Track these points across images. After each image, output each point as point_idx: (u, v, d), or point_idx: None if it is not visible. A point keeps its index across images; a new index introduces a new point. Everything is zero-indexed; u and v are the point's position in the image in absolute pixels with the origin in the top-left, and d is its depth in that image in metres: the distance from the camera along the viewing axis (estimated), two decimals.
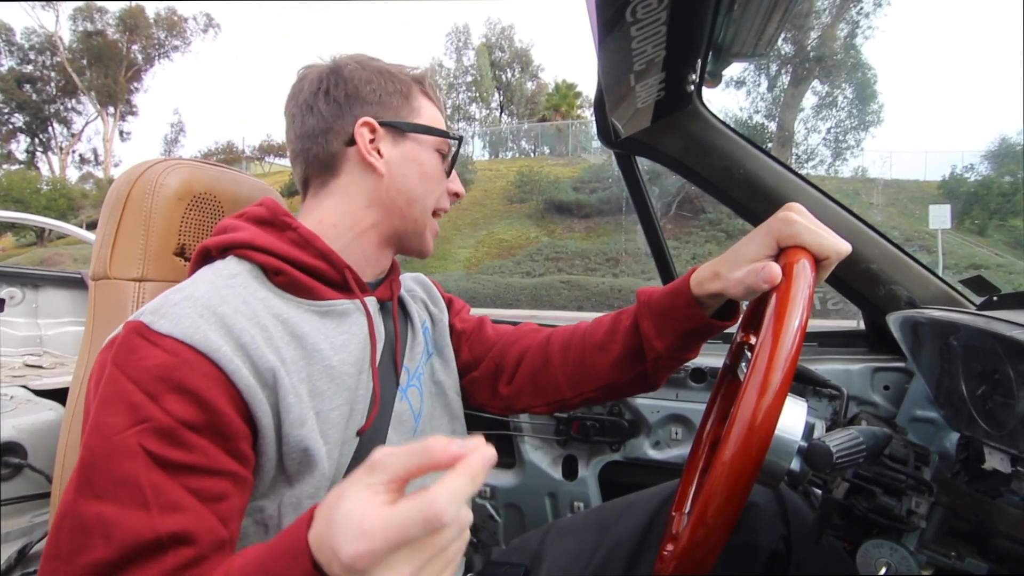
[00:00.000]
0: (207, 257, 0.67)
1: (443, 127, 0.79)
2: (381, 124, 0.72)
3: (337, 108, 0.71)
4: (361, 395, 0.68)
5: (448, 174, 0.79)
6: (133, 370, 0.52)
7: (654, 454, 1.28)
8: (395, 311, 0.80)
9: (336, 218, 0.71)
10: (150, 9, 28.11)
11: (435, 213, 0.79)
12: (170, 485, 0.50)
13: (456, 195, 0.81)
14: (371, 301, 0.73)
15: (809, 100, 19.06)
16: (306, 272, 0.66)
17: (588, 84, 29.82)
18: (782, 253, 0.63)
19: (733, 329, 0.77)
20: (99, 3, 27.11)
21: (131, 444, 0.49)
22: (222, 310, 0.56)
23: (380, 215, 0.73)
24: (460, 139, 0.80)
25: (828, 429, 0.65)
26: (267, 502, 0.60)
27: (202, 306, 0.56)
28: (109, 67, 27.54)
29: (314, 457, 0.59)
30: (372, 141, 0.72)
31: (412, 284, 0.91)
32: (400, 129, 0.73)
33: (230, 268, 0.63)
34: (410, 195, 0.74)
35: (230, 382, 0.54)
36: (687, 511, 0.75)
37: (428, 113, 0.77)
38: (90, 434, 0.51)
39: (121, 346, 0.54)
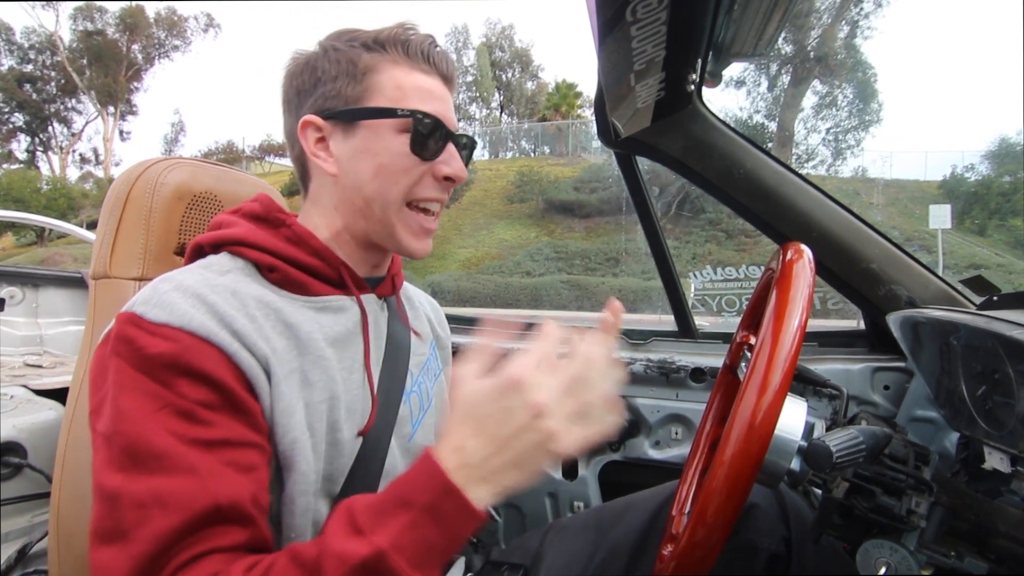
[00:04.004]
0: (200, 253, 0.67)
1: (412, 98, 0.65)
2: (326, 117, 0.66)
3: (292, 107, 0.69)
4: (357, 394, 0.67)
5: (431, 156, 0.66)
6: (137, 360, 0.52)
7: (654, 454, 1.28)
8: (399, 308, 0.79)
9: (314, 223, 0.69)
10: (150, 9, 28.11)
11: (415, 205, 0.68)
12: (208, 459, 0.50)
13: (448, 179, 0.68)
14: (371, 299, 0.72)
15: (809, 100, 19.07)
16: (300, 269, 0.65)
17: (588, 84, 29.81)
18: (781, 249, 0.63)
19: (733, 329, 0.77)
20: (99, 3, 27.09)
21: (159, 426, 0.50)
22: (211, 299, 0.56)
23: (346, 218, 0.68)
24: (420, 114, 0.64)
25: (828, 429, 0.65)
26: (270, 496, 0.59)
27: (192, 295, 0.56)
28: (109, 67, 27.51)
29: (299, 448, 0.59)
30: (322, 139, 0.67)
31: (424, 301, 0.91)
32: (346, 119, 0.66)
33: (222, 264, 0.63)
34: (364, 193, 0.66)
35: (233, 363, 0.55)
36: (687, 511, 0.75)
37: (391, 85, 0.65)
38: (116, 420, 0.50)
39: (119, 339, 0.54)
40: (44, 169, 28.38)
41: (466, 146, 0.72)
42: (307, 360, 0.61)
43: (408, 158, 0.65)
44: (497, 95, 29.60)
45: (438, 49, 0.68)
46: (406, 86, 0.65)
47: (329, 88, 0.66)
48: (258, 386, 0.56)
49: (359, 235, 0.69)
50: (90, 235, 2.36)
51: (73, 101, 28.85)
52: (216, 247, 0.66)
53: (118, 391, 0.51)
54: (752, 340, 0.79)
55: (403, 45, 0.66)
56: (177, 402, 0.51)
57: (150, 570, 0.46)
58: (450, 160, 0.68)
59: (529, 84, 30.13)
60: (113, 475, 0.49)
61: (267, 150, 29.57)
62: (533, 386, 0.48)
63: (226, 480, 0.51)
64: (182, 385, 0.52)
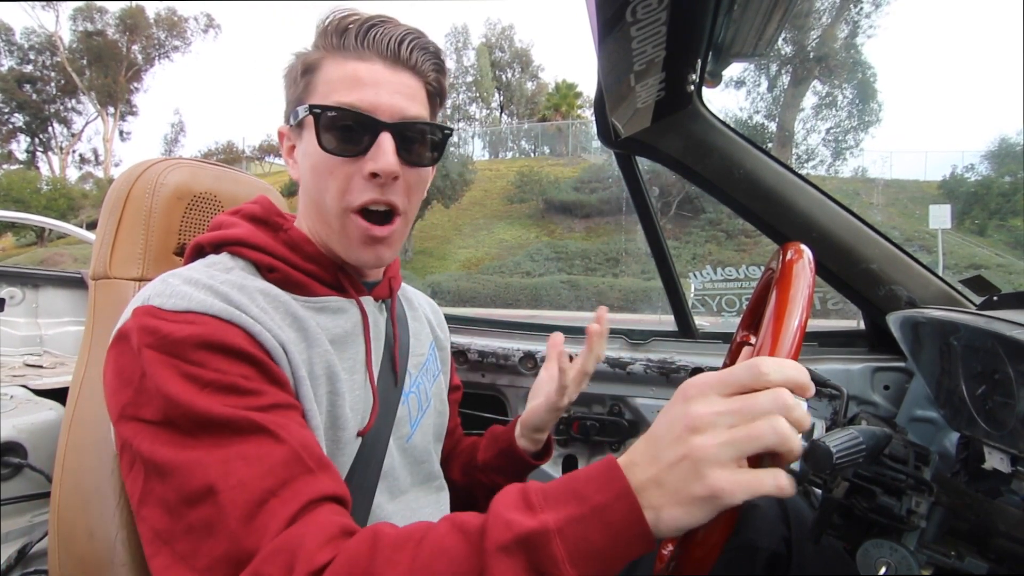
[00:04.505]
0: (200, 253, 0.67)
1: (338, 90, 0.60)
2: (288, 124, 0.67)
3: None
4: (359, 394, 0.67)
5: (349, 152, 0.60)
6: (167, 346, 0.52)
7: None
8: (394, 310, 0.79)
9: (304, 227, 0.70)
10: (150, 9, 28.12)
11: (358, 211, 0.63)
12: (269, 418, 0.51)
13: (373, 175, 0.61)
14: (368, 301, 0.72)
15: (809, 100, 19.08)
16: (299, 271, 0.66)
17: (588, 84, 29.82)
18: (781, 249, 0.63)
19: (733, 329, 0.77)
20: (99, 3, 27.09)
21: (213, 402, 0.50)
22: (223, 289, 0.57)
23: (311, 223, 0.68)
24: (319, 108, 0.59)
25: (828, 429, 0.65)
26: None
27: (203, 286, 0.56)
28: (109, 67, 27.52)
29: None
30: (293, 146, 0.68)
31: (424, 303, 0.92)
32: (292, 123, 0.66)
33: (224, 263, 0.63)
34: (312, 197, 0.65)
35: (258, 342, 0.55)
36: None
37: (322, 80, 0.62)
38: (169, 406, 0.49)
39: (143, 331, 0.53)
40: (44, 169, 28.42)
41: (417, 136, 0.64)
42: (314, 353, 0.62)
43: (327, 159, 0.61)
44: (497, 95, 29.59)
45: (381, 30, 0.62)
46: (334, 78, 0.61)
47: (289, 94, 0.67)
48: (282, 364, 0.57)
49: (322, 241, 0.68)
50: (90, 235, 2.37)
51: (73, 102, 28.87)
52: (217, 247, 0.66)
53: (160, 380, 0.50)
54: (752, 340, 0.79)
55: (339, 35, 0.62)
56: (218, 378, 0.51)
57: (255, 521, 0.45)
58: (375, 154, 0.60)
59: (529, 84, 30.16)
60: (181, 451, 0.48)
61: (267, 150, 29.58)
62: (697, 398, 0.42)
63: (293, 431, 0.51)
64: (217, 362, 0.52)
